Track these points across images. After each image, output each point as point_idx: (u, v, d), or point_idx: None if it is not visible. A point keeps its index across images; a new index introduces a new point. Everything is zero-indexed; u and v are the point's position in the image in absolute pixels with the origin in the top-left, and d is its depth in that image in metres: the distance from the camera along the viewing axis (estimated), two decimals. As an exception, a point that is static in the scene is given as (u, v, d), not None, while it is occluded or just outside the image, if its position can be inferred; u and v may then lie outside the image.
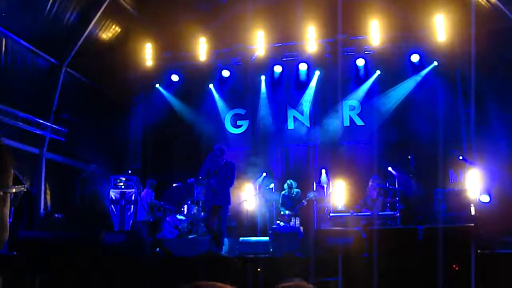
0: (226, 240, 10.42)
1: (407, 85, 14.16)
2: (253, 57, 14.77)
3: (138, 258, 8.01)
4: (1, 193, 1.40)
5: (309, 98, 15.02)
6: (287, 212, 12.55)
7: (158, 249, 8.13)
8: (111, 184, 14.04)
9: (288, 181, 13.02)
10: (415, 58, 14.01)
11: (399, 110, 14.10)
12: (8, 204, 1.44)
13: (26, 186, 12.64)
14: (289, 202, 12.81)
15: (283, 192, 12.96)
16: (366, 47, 14.18)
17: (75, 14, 13.29)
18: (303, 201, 12.61)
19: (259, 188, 13.74)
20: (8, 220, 1.44)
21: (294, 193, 12.89)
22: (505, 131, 12.53)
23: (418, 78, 14.09)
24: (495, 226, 9.42)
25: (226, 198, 9.53)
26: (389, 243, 7.34)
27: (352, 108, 14.70)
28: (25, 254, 8.61)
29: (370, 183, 12.32)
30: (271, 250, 10.46)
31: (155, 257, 7.81)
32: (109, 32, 14.66)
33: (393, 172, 13.22)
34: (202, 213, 12.24)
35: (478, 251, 6.94)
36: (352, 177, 13.36)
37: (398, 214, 11.76)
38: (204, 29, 14.55)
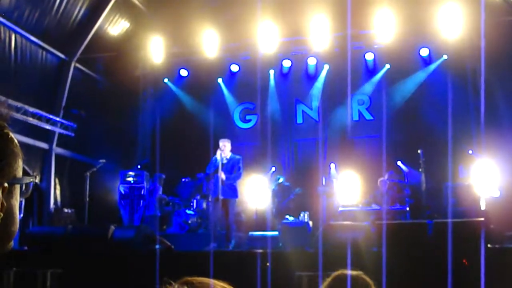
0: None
1: (417, 79, 14.12)
2: (262, 52, 14.72)
3: (148, 252, 8.03)
4: (6, 185, 1.40)
5: (318, 93, 15.00)
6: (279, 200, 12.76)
7: (158, 245, 8.14)
8: (120, 179, 14.08)
9: (276, 177, 13.14)
10: (424, 52, 13.95)
11: (408, 104, 14.06)
12: (18, 196, 1.44)
13: (35, 176, 12.73)
14: (278, 196, 12.93)
15: (272, 188, 13.07)
16: (375, 41, 14.12)
17: (84, 9, 13.32)
18: (291, 195, 12.69)
19: (269, 182, 13.76)
20: (18, 212, 1.44)
21: (284, 187, 13.00)
22: (515, 125, 12.46)
23: (427, 72, 14.05)
24: (505, 220, 9.38)
25: (234, 192, 9.56)
26: (399, 238, 7.32)
27: (361, 103, 14.68)
28: (36, 249, 8.67)
29: (385, 177, 12.29)
30: (280, 244, 10.47)
31: (160, 251, 7.83)
32: (118, 28, 14.69)
33: (402, 166, 13.20)
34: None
35: (488, 245, 6.91)
36: (361, 171, 13.32)
37: (407, 209, 11.74)
38: (213, 23, 14.52)
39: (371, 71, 14.58)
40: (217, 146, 9.79)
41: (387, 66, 14.32)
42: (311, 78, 15.10)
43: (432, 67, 14.01)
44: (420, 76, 14.14)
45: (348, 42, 13.75)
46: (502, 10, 12.55)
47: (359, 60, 14.53)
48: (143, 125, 16.09)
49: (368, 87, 14.61)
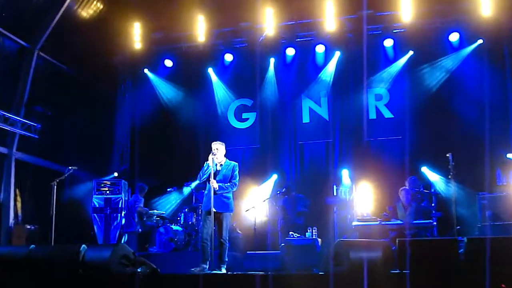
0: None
1: (445, 68, 14.04)
2: (261, 38, 14.68)
3: (127, 277, 7.96)
4: None
5: (327, 86, 14.94)
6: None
7: (140, 268, 8.07)
8: (94, 189, 14.03)
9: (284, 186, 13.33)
10: (454, 37, 13.89)
11: (435, 99, 13.97)
12: None
13: None
14: (289, 206, 12.90)
15: (281, 198, 13.12)
16: (395, 24, 14.09)
17: (49, -13, 13.29)
18: (298, 206, 12.66)
19: (270, 192, 13.72)
20: None
21: (293, 196, 13.17)
22: None
23: (458, 60, 13.95)
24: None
25: (229, 204, 9.48)
26: (424, 258, 7.25)
27: (379, 98, 14.62)
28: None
29: (406, 185, 12.22)
30: (284, 265, 10.41)
31: (142, 275, 7.76)
32: (90, 9, 14.64)
33: (428, 172, 13.13)
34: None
35: (532, 266, 6.86)
36: (379, 179, 13.27)
37: (435, 223, 11.67)
38: (203, 5, 14.49)
39: (390, 60, 14.52)
40: (208, 150, 9.71)
41: (410, 53, 14.25)
42: (320, 69, 15.05)
43: (464, 53, 13.92)
44: (450, 64, 14.03)
45: (364, 26, 13.71)
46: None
47: (376, 47, 14.49)
48: (120, 124, 16.04)
49: (387, 79, 14.54)
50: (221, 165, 9.53)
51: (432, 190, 12.54)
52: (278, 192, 13.20)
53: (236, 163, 9.64)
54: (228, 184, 9.45)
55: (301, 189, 14.02)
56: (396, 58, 14.48)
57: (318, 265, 9.60)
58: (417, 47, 14.12)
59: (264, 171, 14.37)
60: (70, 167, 11.77)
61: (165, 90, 15.71)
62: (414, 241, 8.31)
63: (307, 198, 13.47)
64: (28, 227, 13.04)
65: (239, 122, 15.54)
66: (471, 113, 13.07)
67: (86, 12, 14.58)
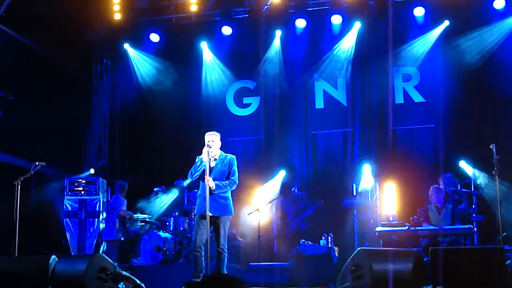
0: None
1: (489, 42, 13.95)
2: (265, 6, 14.63)
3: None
4: None
5: (345, 65, 14.90)
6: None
7: (121, 283, 8.06)
8: (66, 189, 13.99)
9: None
10: (499, 3, 13.79)
11: (476, 79, 13.89)
12: None
13: None
14: (290, 209, 12.85)
15: (280, 199, 13.10)
16: (427, -11, 14.07)
17: None
18: (309, 209, 12.62)
19: (277, 192, 13.71)
20: None
21: (295, 197, 13.10)
22: None
23: (505, 30, 13.88)
24: None
25: (227, 206, 9.45)
26: (463, 270, 7.24)
27: (407, 78, 14.59)
28: None
29: (440, 183, 12.18)
30: (294, 280, 10.40)
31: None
32: (59, -28, 14.61)
33: (467, 168, 13.09)
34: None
35: None
36: (408, 176, 13.25)
37: (475, 229, 11.64)
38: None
39: (422, 32, 14.46)
40: (202, 142, 9.69)
41: (446, 23, 14.19)
42: (336, 44, 15.00)
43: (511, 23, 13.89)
44: (494, 37, 13.93)
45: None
46: None
47: (404, 17, 14.44)
48: (97, 112, 16.02)
49: (418, 55, 14.49)
50: (215, 159, 9.46)
51: (472, 189, 12.50)
52: (292, 191, 13.20)
53: (234, 156, 9.59)
54: (226, 182, 9.39)
55: (314, 188, 14.01)
56: (428, 29, 14.41)
57: (334, 279, 9.57)
58: (454, 16, 14.05)
59: (270, 167, 14.34)
60: (37, 163, 11.74)
61: (150, 70, 15.70)
62: (450, 250, 8.29)
63: (311, 197, 13.40)
64: (-14, 235, 13.04)
65: (239, 108, 15.54)
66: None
67: (55, -24, 14.55)
